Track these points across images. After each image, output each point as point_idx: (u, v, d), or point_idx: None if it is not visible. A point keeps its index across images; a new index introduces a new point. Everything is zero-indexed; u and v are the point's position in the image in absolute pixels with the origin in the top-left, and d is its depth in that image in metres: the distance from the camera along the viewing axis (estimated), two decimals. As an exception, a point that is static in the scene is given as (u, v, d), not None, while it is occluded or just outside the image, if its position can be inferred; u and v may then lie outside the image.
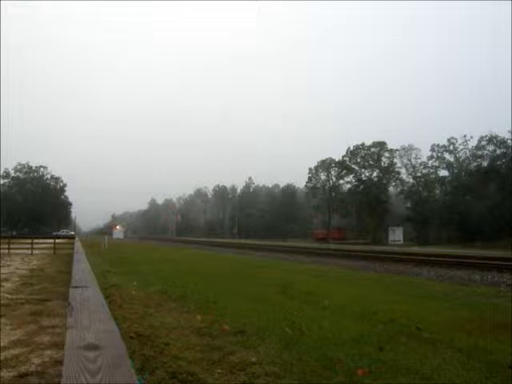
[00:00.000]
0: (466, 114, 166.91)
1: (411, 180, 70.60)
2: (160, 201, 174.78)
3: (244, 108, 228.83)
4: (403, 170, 71.29)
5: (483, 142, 62.44)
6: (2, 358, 4.73)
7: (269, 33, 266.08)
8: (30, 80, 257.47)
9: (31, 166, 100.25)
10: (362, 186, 73.21)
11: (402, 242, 58.29)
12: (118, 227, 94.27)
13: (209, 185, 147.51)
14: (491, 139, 61.11)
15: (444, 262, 19.38)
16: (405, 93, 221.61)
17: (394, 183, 73.75)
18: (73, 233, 74.81)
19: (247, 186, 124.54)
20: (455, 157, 66.62)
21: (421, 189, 68.18)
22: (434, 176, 68.38)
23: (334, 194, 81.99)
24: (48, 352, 4.92)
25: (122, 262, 18.53)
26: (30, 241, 26.51)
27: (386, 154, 72.91)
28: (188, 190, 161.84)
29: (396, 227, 63.01)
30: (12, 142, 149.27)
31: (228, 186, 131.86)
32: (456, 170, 65.93)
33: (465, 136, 65.23)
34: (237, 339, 5.16)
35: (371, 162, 73.49)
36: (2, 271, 14.23)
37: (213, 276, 12.57)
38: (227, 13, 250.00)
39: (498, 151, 60.06)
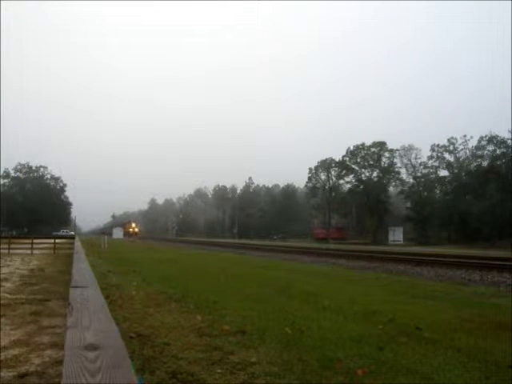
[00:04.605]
0: (466, 114, 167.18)
1: (411, 180, 70.70)
2: (160, 201, 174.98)
3: (244, 108, 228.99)
4: (403, 170, 71.51)
5: (483, 142, 62.50)
6: (2, 357, 4.73)
7: (269, 35, 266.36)
8: (30, 80, 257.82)
9: (31, 166, 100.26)
10: (361, 186, 73.25)
11: (402, 242, 58.30)
12: (133, 225, 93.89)
13: (209, 185, 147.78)
14: (491, 139, 61.13)
15: (444, 262, 19.36)
16: (405, 93, 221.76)
17: (394, 183, 73.84)
18: (73, 233, 74.75)
19: (247, 186, 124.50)
20: (455, 157, 66.64)
21: (421, 189, 68.21)
22: (434, 176, 68.42)
23: (334, 194, 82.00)
24: (48, 352, 4.92)
25: (122, 261, 18.52)
26: (29, 241, 26.49)
27: (386, 154, 72.99)
28: (188, 190, 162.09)
29: (396, 227, 63.00)
30: (12, 142, 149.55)
31: (228, 186, 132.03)
32: (456, 170, 65.91)
33: (465, 136, 65.40)
34: (237, 339, 5.16)
35: (371, 162, 73.53)
36: (2, 271, 14.22)
37: (213, 276, 12.55)
38: (227, 14, 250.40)
39: (498, 151, 60.09)
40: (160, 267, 15.85)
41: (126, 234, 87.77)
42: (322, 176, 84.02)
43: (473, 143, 64.47)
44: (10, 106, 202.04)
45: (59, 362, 4.28)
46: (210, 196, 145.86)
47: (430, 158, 67.83)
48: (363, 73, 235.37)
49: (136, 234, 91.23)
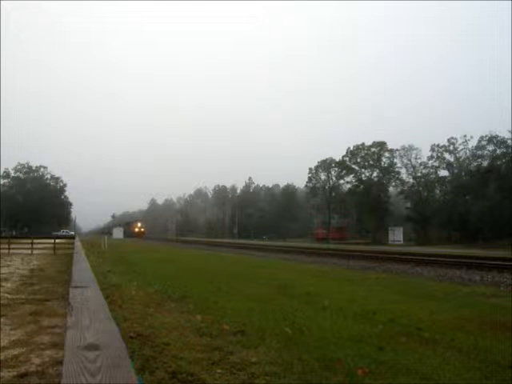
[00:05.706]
0: (466, 114, 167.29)
1: (411, 180, 70.62)
2: (160, 201, 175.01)
3: (244, 108, 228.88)
4: (403, 170, 71.37)
5: (483, 142, 62.41)
6: (2, 357, 4.73)
7: (269, 35, 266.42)
8: (30, 79, 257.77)
9: (31, 166, 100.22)
10: (361, 186, 73.17)
11: (402, 242, 58.26)
12: (139, 224, 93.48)
13: (209, 185, 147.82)
14: (491, 139, 61.05)
15: (444, 262, 19.35)
16: (405, 93, 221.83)
17: (394, 183, 73.74)
18: (73, 233, 74.68)
19: (247, 186, 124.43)
20: (455, 157, 66.58)
21: (421, 189, 68.17)
22: (434, 176, 68.35)
23: (333, 194, 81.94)
24: (48, 352, 4.92)
25: (122, 261, 18.52)
26: (30, 241, 26.50)
27: (386, 154, 72.88)
28: (188, 190, 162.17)
29: (396, 227, 62.98)
30: (12, 141, 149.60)
31: (228, 186, 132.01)
32: (456, 170, 65.88)
33: (465, 136, 65.27)
34: (237, 339, 5.16)
35: (371, 162, 73.44)
36: (2, 271, 14.22)
37: (213, 276, 12.56)
38: (227, 14, 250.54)
39: (498, 151, 60.03)
40: (160, 267, 15.85)
41: (134, 234, 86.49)
42: (322, 176, 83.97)
43: (473, 143, 64.47)
44: (10, 106, 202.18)
45: (59, 362, 4.28)
46: (210, 196, 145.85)
47: (430, 158, 67.79)
48: (363, 73, 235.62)
49: (141, 233, 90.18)
